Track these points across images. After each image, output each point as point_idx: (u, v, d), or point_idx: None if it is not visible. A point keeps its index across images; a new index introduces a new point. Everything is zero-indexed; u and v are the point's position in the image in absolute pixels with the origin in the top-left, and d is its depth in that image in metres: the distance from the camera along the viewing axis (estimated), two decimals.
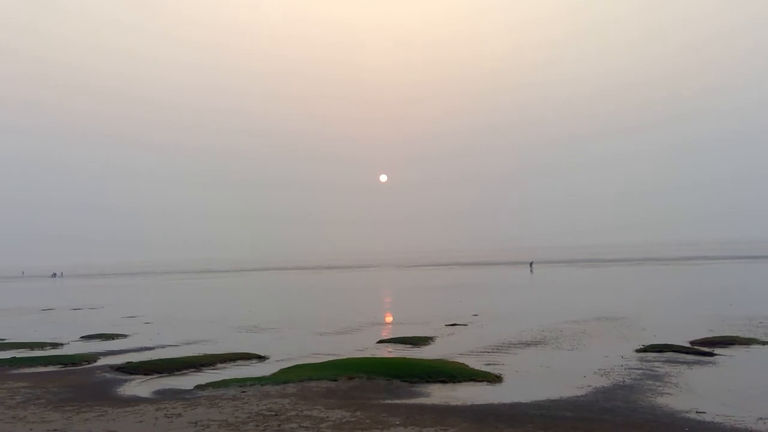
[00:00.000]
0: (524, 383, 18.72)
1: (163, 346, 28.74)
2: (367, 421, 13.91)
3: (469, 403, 16.12)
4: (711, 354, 22.66)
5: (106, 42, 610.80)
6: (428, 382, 18.86)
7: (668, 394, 16.89)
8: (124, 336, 33.51)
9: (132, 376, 21.29)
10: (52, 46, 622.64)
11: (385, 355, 24.46)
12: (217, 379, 19.80)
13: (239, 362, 24.09)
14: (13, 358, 25.03)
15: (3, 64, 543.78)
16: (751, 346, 24.09)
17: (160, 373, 21.86)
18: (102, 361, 24.78)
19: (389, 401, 16.46)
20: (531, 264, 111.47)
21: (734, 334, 26.31)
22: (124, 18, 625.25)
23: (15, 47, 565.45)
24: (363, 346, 26.97)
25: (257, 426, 13.53)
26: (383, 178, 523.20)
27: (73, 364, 24.09)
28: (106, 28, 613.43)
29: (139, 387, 19.65)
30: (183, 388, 19.09)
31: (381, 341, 28.25)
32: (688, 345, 24.44)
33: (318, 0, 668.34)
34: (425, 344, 27.16)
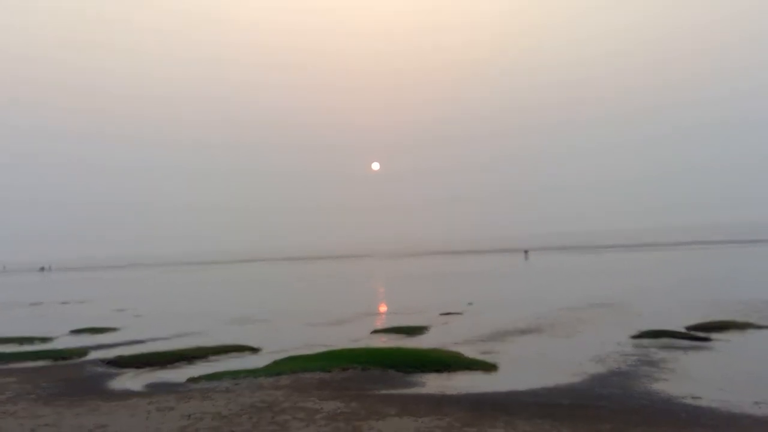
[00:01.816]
0: (520, 371, 18.64)
1: (154, 339, 28.50)
2: (362, 411, 13.75)
3: (464, 392, 16.01)
4: (707, 339, 22.64)
5: (106, 40, 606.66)
6: (423, 371, 18.73)
7: (664, 379, 16.85)
8: (114, 329, 33.22)
9: (123, 370, 21.07)
10: (49, 44, 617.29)
11: (380, 345, 24.30)
12: (210, 372, 19.59)
13: (232, 354, 23.87)
14: (2, 354, 24.74)
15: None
16: (747, 331, 24.11)
17: (152, 366, 21.64)
18: (92, 355, 24.50)
19: (384, 391, 16.32)
20: (526, 252, 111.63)
21: (730, 319, 26.29)
22: (126, 16, 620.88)
23: (9, 46, 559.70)
24: (357, 336, 26.83)
25: (251, 418, 13.35)
26: (376, 166, 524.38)
27: (63, 359, 23.81)
28: (108, 26, 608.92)
29: (131, 380, 19.43)
30: (175, 381, 18.89)
31: (375, 331, 28.12)
32: (684, 330, 24.40)
33: None
34: (420, 334, 27.04)
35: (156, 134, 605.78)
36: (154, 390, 17.59)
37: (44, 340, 30.01)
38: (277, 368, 19.30)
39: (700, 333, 23.69)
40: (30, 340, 29.82)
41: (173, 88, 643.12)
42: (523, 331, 26.26)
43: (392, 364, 19.17)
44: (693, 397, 14.77)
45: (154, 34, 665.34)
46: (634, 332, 24.30)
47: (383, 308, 39.46)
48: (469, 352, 21.61)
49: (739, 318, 26.58)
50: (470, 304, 37.31)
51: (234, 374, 18.67)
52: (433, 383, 17.42)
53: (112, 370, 21.07)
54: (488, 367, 19.23)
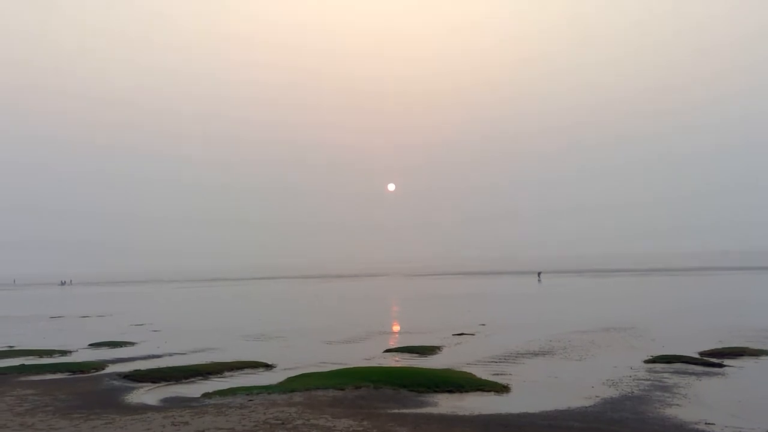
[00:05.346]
0: (532, 393, 18.66)
1: (170, 354, 28.81)
2: (374, 430, 13.89)
3: (476, 413, 16.08)
4: (720, 365, 22.51)
5: (115, 53, 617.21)
6: (435, 391, 18.83)
7: (677, 405, 16.80)
8: (131, 344, 33.61)
9: (140, 384, 21.35)
10: (63, 56, 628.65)
11: (392, 364, 24.42)
12: (224, 388, 19.83)
13: (246, 370, 24.12)
14: (22, 366, 25.12)
15: (7, 74, 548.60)
16: (761, 358, 23.94)
17: (168, 381, 21.91)
18: (110, 369, 24.86)
19: (396, 410, 16.44)
20: (539, 274, 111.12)
21: (744, 345, 26.14)
22: (130, 29, 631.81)
23: (17, 57, 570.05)
24: (370, 355, 26.95)
25: None
26: (391, 186, 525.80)
27: (81, 372, 24.17)
28: (114, 40, 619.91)
29: (147, 395, 19.71)
30: (190, 396, 19.14)
31: (388, 350, 28.21)
32: (697, 356, 24.29)
33: (327, 11, 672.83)
34: (432, 353, 27.10)
35: (180, 150, 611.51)
36: (170, 404, 17.83)
37: (63, 353, 30.41)
38: (291, 385, 19.49)
39: (714, 359, 23.58)
40: (49, 352, 30.23)
41: (196, 106, 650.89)
42: (535, 353, 26.23)
43: (404, 384, 19.28)
44: (706, 423, 14.73)
45: (181, 53, 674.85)
46: (647, 357, 24.22)
47: (397, 327, 39.51)
48: (482, 373, 21.67)
49: (753, 344, 26.40)
50: (483, 325, 37.28)
51: (248, 390, 18.88)
52: (445, 403, 17.51)
53: (129, 384, 21.37)
54: (500, 389, 19.28)
